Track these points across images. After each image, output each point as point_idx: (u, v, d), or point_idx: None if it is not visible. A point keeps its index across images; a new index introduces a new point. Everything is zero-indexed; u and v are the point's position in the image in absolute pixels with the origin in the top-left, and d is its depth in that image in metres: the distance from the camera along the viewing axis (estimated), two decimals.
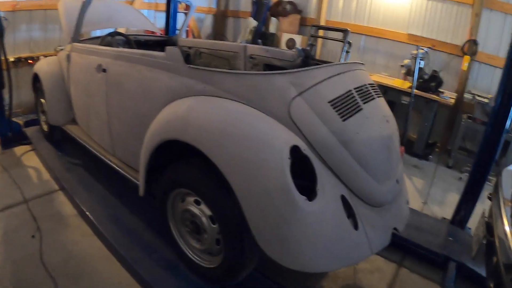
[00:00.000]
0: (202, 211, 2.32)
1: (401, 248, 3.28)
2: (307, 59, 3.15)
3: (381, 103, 2.47)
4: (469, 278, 3.00)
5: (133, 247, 2.82)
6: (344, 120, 2.10)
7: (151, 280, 2.52)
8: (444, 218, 3.89)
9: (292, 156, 1.91)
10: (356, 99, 2.23)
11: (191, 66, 2.37)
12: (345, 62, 2.54)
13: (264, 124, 2.03)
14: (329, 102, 2.10)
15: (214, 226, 2.28)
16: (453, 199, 3.82)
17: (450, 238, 3.39)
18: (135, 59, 2.83)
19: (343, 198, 2.08)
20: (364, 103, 2.26)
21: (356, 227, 2.10)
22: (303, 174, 1.99)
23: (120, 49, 3.26)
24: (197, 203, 2.35)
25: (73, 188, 3.60)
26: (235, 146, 1.96)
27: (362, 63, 2.63)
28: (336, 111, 2.10)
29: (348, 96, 2.20)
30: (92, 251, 2.92)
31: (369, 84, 2.45)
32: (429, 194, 4.56)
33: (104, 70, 3.10)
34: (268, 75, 2.14)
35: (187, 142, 2.14)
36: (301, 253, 1.89)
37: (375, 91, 2.46)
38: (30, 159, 4.34)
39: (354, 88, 2.27)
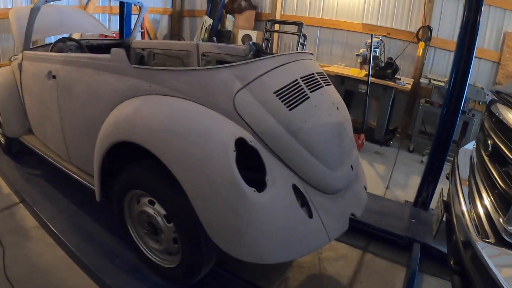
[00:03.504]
0: (157, 211, 2.30)
1: (365, 234, 3.33)
2: (258, 53, 3.16)
3: (330, 91, 2.49)
4: (434, 258, 3.07)
5: (95, 254, 2.77)
6: (290, 109, 2.11)
7: (115, 286, 2.48)
8: (407, 201, 3.96)
9: (239, 148, 1.91)
10: (302, 88, 2.23)
11: (136, 66, 2.34)
12: (290, 52, 2.55)
13: (208, 119, 2.02)
14: (274, 92, 2.11)
15: (169, 225, 2.26)
16: (415, 182, 3.90)
17: (413, 220, 3.46)
18: (82, 63, 2.78)
19: (295, 188, 2.09)
20: (312, 91, 2.27)
21: (310, 215, 2.11)
22: (253, 166, 1.99)
23: (69, 54, 3.21)
24: (151, 203, 2.33)
25: (34, 200, 3.51)
26: (181, 142, 1.95)
27: (310, 53, 2.65)
28: (282, 101, 2.10)
29: (294, 85, 2.21)
30: (56, 261, 2.85)
31: (317, 73, 2.46)
32: (391, 178, 4.64)
33: (54, 77, 3.04)
34: (211, 70, 2.13)
35: (135, 142, 2.12)
36: (254, 245, 1.89)
37: (323, 79, 2.48)
38: None
39: (301, 77, 2.27)
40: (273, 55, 2.31)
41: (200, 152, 1.90)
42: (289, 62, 2.32)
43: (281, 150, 2.09)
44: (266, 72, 2.15)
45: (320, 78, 2.46)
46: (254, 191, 1.87)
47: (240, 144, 1.94)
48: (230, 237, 1.90)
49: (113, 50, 2.49)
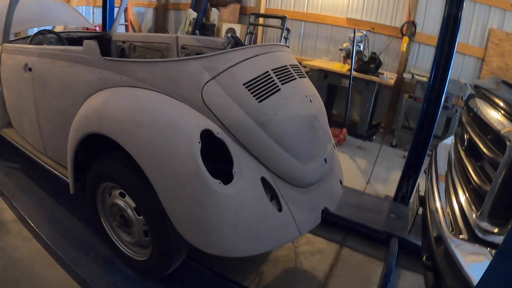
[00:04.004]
0: (127, 204, 2.30)
1: (343, 228, 3.33)
2: (237, 46, 3.14)
3: (303, 83, 2.46)
4: (411, 253, 3.08)
5: (69, 247, 2.77)
6: (260, 101, 2.09)
7: (88, 278, 2.48)
8: (387, 196, 3.97)
9: (206, 140, 1.90)
10: (273, 80, 2.22)
11: (107, 58, 2.32)
12: (263, 44, 2.54)
13: (174, 111, 2.01)
14: (244, 84, 2.09)
15: (139, 217, 2.26)
16: (397, 177, 3.90)
17: (392, 215, 3.46)
18: (56, 55, 2.75)
19: (263, 180, 2.08)
20: (283, 83, 2.26)
21: (280, 209, 2.10)
22: (220, 158, 1.98)
23: (44, 46, 3.18)
24: (122, 195, 2.32)
25: (12, 193, 3.50)
26: (146, 134, 1.95)
27: (285, 45, 2.64)
28: (252, 92, 2.09)
29: (265, 77, 2.19)
30: (31, 254, 2.84)
31: (290, 65, 2.44)
32: (372, 173, 4.64)
33: (30, 69, 3.02)
34: (180, 61, 2.12)
35: (104, 134, 2.11)
36: (220, 238, 1.88)
37: (296, 72, 2.46)
38: None
39: (272, 69, 2.26)
40: (244, 47, 2.30)
41: (165, 144, 1.89)
42: (261, 54, 2.31)
43: (249, 142, 2.08)
44: (236, 64, 2.14)
45: (294, 70, 2.44)
46: (220, 183, 1.87)
47: (207, 136, 1.93)
48: (195, 230, 1.90)
49: (85, 42, 2.47)
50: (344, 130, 5.66)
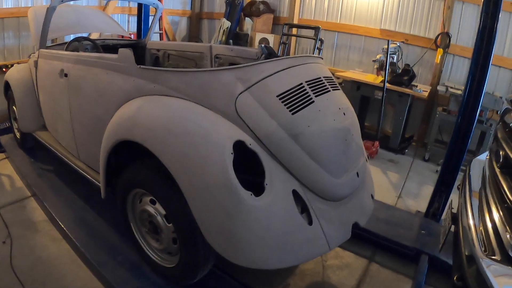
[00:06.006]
0: (157, 211, 2.31)
1: (372, 243, 3.26)
2: (270, 56, 3.14)
3: (337, 95, 2.44)
4: (441, 271, 2.98)
5: (98, 249, 2.82)
6: (293, 113, 2.08)
7: (114, 281, 2.51)
8: (419, 211, 3.88)
9: (238, 151, 1.90)
10: (307, 92, 2.20)
11: (142, 66, 2.36)
12: (297, 55, 2.52)
13: (207, 121, 2.02)
14: (277, 96, 2.08)
15: (169, 225, 2.27)
16: (429, 192, 3.81)
17: (423, 231, 3.38)
18: (92, 62, 2.82)
19: (294, 193, 2.06)
20: (317, 95, 2.24)
21: (310, 222, 2.08)
22: (252, 170, 1.97)
23: (80, 53, 3.25)
24: (152, 202, 2.34)
25: (44, 194, 3.59)
26: (178, 143, 1.95)
27: (319, 57, 2.61)
28: (285, 104, 2.08)
29: (299, 89, 2.18)
30: (60, 255, 2.91)
31: (324, 77, 2.42)
32: (403, 187, 4.55)
33: (65, 75, 3.10)
34: (214, 72, 2.13)
35: (137, 142, 2.13)
36: (249, 249, 1.87)
37: (330, 84, 2.43)
38: (4, 167, 4.31)
39: (306, 81, 2.24)
40: (277, 58, 2.29)
41: (197, 154, 1.90)
42: (295, 66, 2.30)
43: (281, 154, 2.06)
44: (269, 75, 2.13)
45: (328, 82, 2.42)
46: (251, 194, 1.85)
47: (240, 147, 1.92)
48: (225, 240, 1.89)
49: (120, 50, 2.51)
50: (377, 143, 5.58)
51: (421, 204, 4.12)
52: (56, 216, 3.21)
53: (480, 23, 3.15)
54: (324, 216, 2.16)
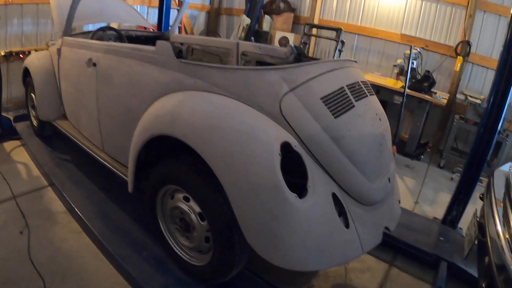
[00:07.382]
0: (191, 208, 2.28)
1: (392, 247, 3.27)
2: (300, 57, 3.13)
3: (373, 101, 2.45)
4: (460, 278, 3.00)
5: (121, 243, 2.78)
6: (336, 117, 2.07)
7: (138, 277, 2.48)
8: (436, 218, 3.88)
9: (283, 152, 1.88)
10: (348, 96, 2.20)
11: (182, 60, 2.33)
12: (337, 59, 2.52)
13: (252, 119, 2.00)
14: (321, 98, 2.07)
15: (203, 223, 2.24)
16: (444, 199, 3.82)
17: (441, 238, 3.38)
18: (125, 53, 2.79)
19: (334, 196, 2.05)
20: (357, 100, 2.24)
21: (347, 225, 2.07)
22: (294, 171, 1.96)
23: (111, 43, 3.23)
24: (186, 199, 2.31)
25: (63, 184, 3.54)
26: (224, 141, 1.93)
27: (354, 61, 2.60)
28: (328, 107, 2.07)
29: (340, 93, 2.18)
30: (80, 247, 2.88)
31: (361, 81, 2.42)
32: (420, 193, 4.55)
33: (94, 65, 3.06)
34: (259, 71, 2.11)
35: (176, 137, 2.11)
36: (290, 251, 1.86)
37: (367, 89, 2.44)
38: (19, 155, 4.28)
39: (347, 85, 2.24)
40: (320, 61, 2.29)
41: (242, 152, 1.88)
42: (336, 69, 2.29)
43: (323, 157, 2.06)
44: (314, 77, 2.12)
45: (364, 87, 2.42)
46: (296, 197, 1.84)
47: (285, 148, 1.91)
48: (266, 241, 1.87)
49: (158, 42, 2.49)
50: (394, 147, 5.56)
51: (437, 210, 4.13)
52: (76, 208, 3.17)
53: (507, 35, 3.13)
54: (360, 220, 2.16)
